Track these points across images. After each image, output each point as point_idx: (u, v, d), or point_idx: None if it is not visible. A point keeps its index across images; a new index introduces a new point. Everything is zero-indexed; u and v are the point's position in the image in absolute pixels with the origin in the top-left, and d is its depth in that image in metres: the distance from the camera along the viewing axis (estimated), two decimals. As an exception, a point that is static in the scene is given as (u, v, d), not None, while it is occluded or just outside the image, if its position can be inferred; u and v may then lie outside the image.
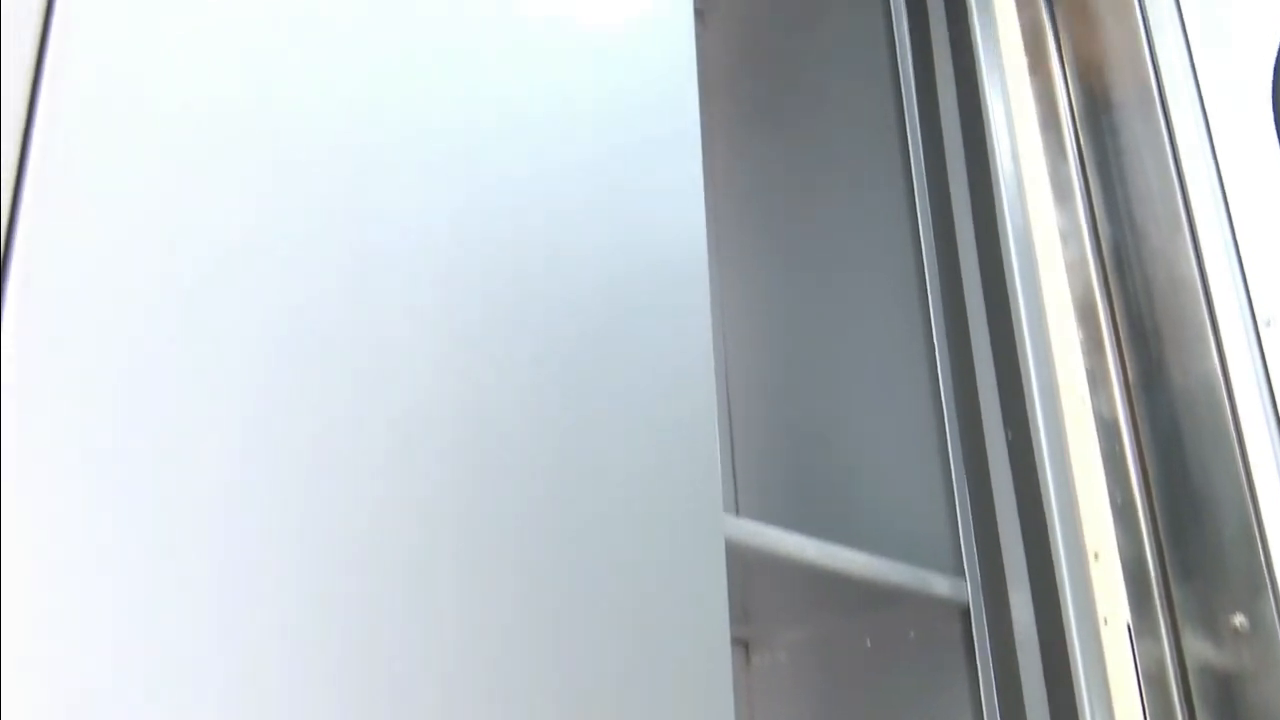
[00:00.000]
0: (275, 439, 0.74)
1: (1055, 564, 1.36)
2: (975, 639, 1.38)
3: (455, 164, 0.92)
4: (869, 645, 1.45)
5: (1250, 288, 1.41)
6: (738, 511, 1.62)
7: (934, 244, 1.58)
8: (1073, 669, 1.32)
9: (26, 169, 0.67)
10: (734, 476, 1.65)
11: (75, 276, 0.67)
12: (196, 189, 0.75)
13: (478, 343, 0.89)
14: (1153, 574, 1.38)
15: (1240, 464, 1.35)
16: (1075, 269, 1.51)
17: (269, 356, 0.75)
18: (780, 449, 1.63)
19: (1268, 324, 1.39)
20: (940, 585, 1.38)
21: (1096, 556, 1.37)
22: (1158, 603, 1.36)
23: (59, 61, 0.70)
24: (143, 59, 0.75)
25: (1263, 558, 1.30)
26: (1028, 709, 1.33)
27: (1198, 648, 1.33)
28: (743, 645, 1.57)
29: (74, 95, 0.70)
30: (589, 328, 0.99)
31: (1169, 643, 1.34)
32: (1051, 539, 1.38)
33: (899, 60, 1.71)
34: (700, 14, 2.07)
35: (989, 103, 1.61)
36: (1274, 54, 1.46)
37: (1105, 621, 1.34)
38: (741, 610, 1.43)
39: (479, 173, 0.94)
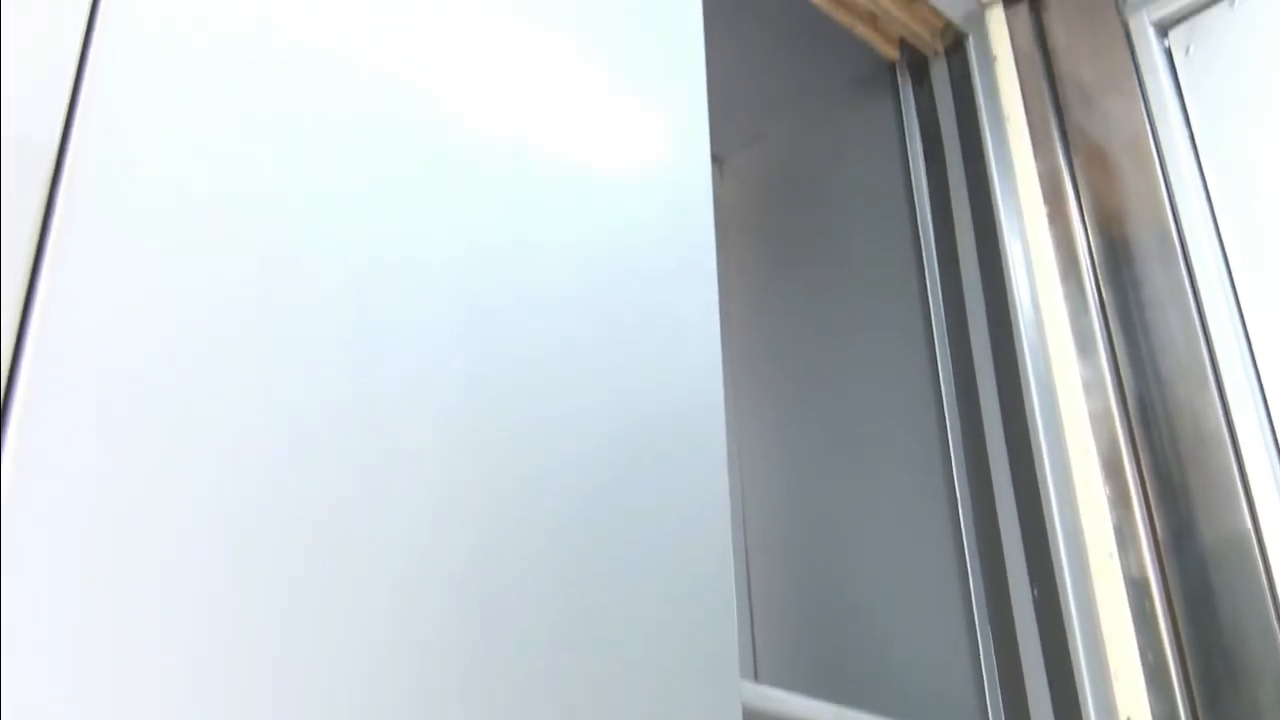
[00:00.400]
0: (279, 597, 0.71)
1: (1087, 729, 1.31)
2: (1004, 809, 1.33)
3: (466, 308, 0.91)
4: (892, 814, 1.39)
5: (1280, 442, 1.38)
6: (756, 674, 1.57)
7: (955, 394, 1.56)
8: (1107, 844, 1.26)
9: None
10: (752, 637, 1.60)
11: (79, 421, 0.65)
12: (199, 362, 0.73)
13: (485, 496, 0.86)
14: (1188, 740, 1.32)
15: (1275, 624, 1.31)
16: (1100, 421, 1.48)
17: (274, 512, 0.73)
18: (800, 608, 1.59)
19: (1299, 481, 1.35)
20: (966, 752, 1.33)
21: (1129, 722, 1.32)
22: (1193, 769, 1.31)
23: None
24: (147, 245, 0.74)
25: (1302, 724, 1.25)
26: None
27: (1235, 820, 1.27)
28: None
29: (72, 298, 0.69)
30: (602, 480, 0.96)
31: (1205, 814, 1.29)
32: (1082, 702, 1.33)
33: (916, 206, 1.71)
34: (718, 160, 2.08)
35: (1008, 251, 1.60)
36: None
37: (1140, 791, 1.28)
38: (760, 777, 1.38)
39: (490, 316, 0.92)
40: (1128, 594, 1.39)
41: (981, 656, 1.39)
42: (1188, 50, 1.57)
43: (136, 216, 0.73)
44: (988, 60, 1.74)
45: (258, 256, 0.79)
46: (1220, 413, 1.42)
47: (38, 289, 0.67)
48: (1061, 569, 1.38)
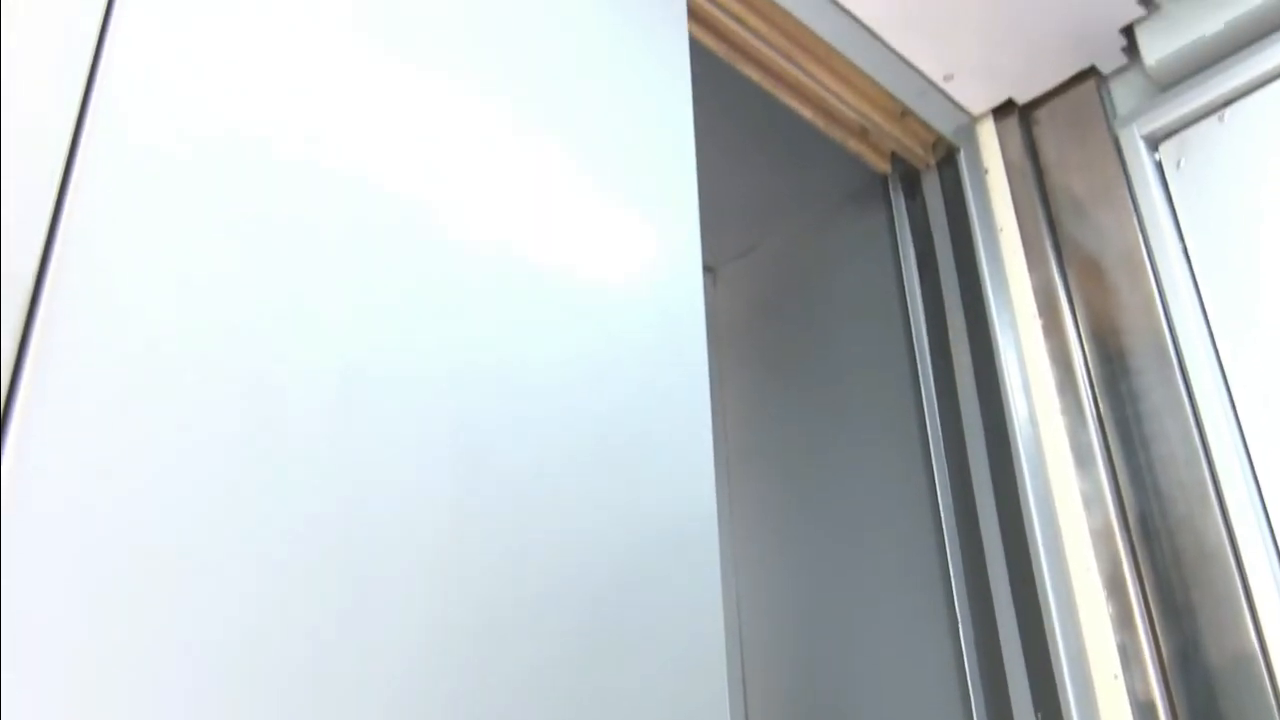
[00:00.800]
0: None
1: None
2: None
3: (453, 428, 0.89)
4: None
5: (1284, 560, 1.35)
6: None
7: (953, 507, 1.54)
8: None
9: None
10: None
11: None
12: (180, 496, 0.71)
13: (475, 621, 0.84)
14: None
15: (1284, 746, 1.28)
16: (1101, 538, 1.46)
17: (257, 647, 0.70)
18: (797, 729, 1.55)
19: (1306, 599, 1.33)
20: None
21: None
22: None
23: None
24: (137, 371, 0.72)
25: None
26: None
27: None
28: None
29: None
30: (595, 600, 0.94)
31: None
32: (1090, 830, 1.29)
33: (911, 318, 1.70)
34: (712, 270, 2.08)
35: (1004, 363, 1.59)
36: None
37: None
38: None
39: (478, 437, 0.90)
40: (1134, 717, 1.36)
41: (985, 783, 1.35)
42: (1179, 164, 1.58)
43: (117, 345, 0.72)
44: (979, 173, 1.75)
45: (241, 380, 0.77)
46: (1223, 529, 1.39)
47: (11, 417, 0.66)
48: (1066, 692, 1.35)
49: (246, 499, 0.75)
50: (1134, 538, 1.45)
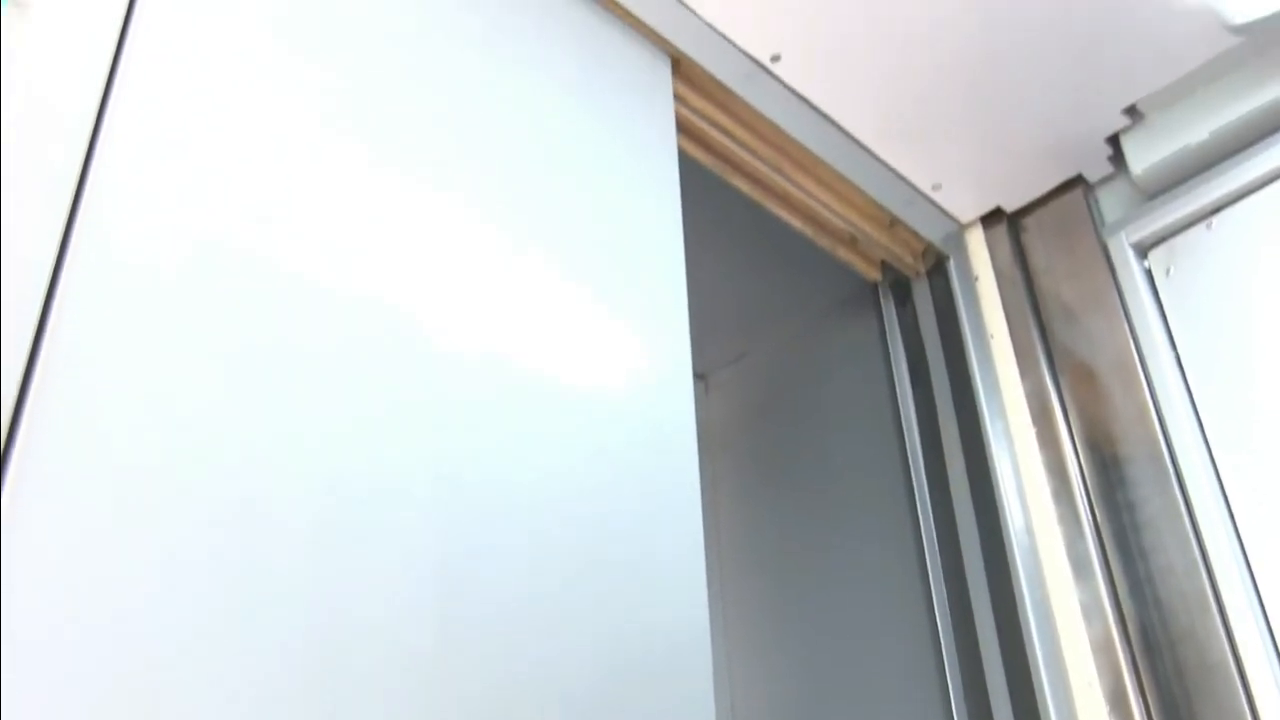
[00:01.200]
0: None
1: None
2: None
3: (438, 543, 0.87)
4: None
5: (1288, 671, 1.33)
6: None
7: (950, 619, 1.52)
8: None
9: None
10: None
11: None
12: (164, 616, 0.70)
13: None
14: None
15: None
16: (1102, 650, 1.43)
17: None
18: None
19: (1312, 713, 1.30)
20: None
21: None
22: None
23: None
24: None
25: None
26: None
27: None
28: None
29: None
30: (587, 716, 0.91)
31: None
32: None
33: (904, 425, 1.70)
34: (703, 376, 2.08)
35: (999, 472, 1.58)
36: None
37: None
38: None
39: (464, 553, 0.89)
40: (1140, 837, 1.32)
41: None
42: (1168, 271, 1.58)
43: (99, 468, 0.71)
44: (969, 280, 1.75)
45: (224, 500, 0.76)
46: (1225, 641, 1.37)
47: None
48: (1070, 810, 1.32)
49: (229, 624, 0.73)
50: (1135, 650, 1.43)
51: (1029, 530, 1.53)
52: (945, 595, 1.53)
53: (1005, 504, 1.54)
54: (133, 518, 0.71)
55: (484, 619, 0.88)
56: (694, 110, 1.43)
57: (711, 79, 1.41)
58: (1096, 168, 1.70)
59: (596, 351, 1.09)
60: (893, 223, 1.72)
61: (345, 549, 0.82)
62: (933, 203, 1.73)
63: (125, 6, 0.85)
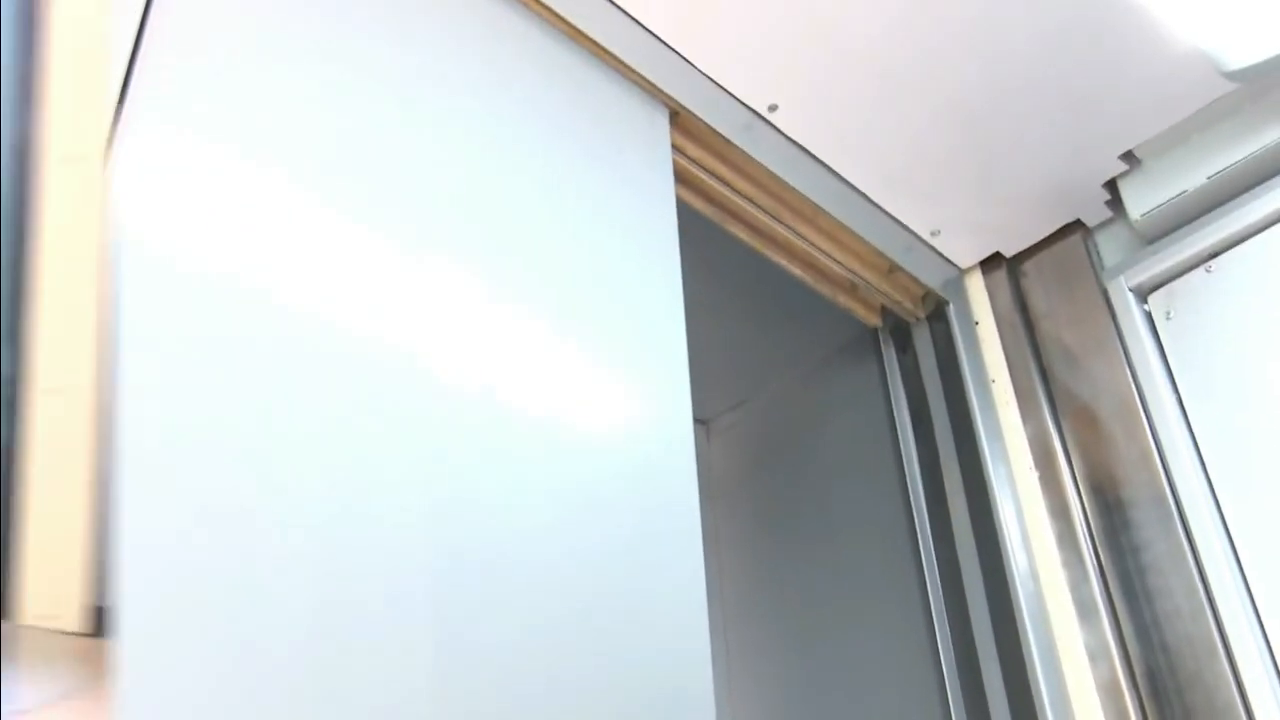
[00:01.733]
0: None
1: None
2: None
3: (435, 600, 0.87)
4: None
5: (1299, 716, 1.32)
6: None
7: (956, 663, 1.51)
8: None
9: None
10: None
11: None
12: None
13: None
14: None
15: None
16: (1109, 693, 1.43)
17: None
18: None
19: (1323, 758, 1.29)
20: None
21: None
22: None
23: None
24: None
25: None
26: None
27: None
28: None
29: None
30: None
31: None
32: None
33: (906, 470, 1.69)
34: (705, 422, 2.08)
35: (1002, 516, 1.57)
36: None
37: None
38: None
39: (463, 599, 0.89)
40: None
41: None
42: (1168, 314, 1.59)
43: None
44: (970, 325, 1.76)
45: (210, 580, 0.76)
46: (1233, 684, 1.36)
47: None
48: None
49: (225, 669, 0.73)
50: (1142, 694, 1.42)
51: (1033, 575, 1.53)
52: (950, 641, 1.53)
53: (1009, 548, 1.54)
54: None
55: (480, 666, 0.88)
56: (692, 160, 1.44)
57: (710, 130, 1.42)
58: (1095, 213, 1.71)
59: (598, 399, 1.09)
60: (892, 269, 1.72)
61: (342, 589, 0.82)
62: (932, 248, 1.74)
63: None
